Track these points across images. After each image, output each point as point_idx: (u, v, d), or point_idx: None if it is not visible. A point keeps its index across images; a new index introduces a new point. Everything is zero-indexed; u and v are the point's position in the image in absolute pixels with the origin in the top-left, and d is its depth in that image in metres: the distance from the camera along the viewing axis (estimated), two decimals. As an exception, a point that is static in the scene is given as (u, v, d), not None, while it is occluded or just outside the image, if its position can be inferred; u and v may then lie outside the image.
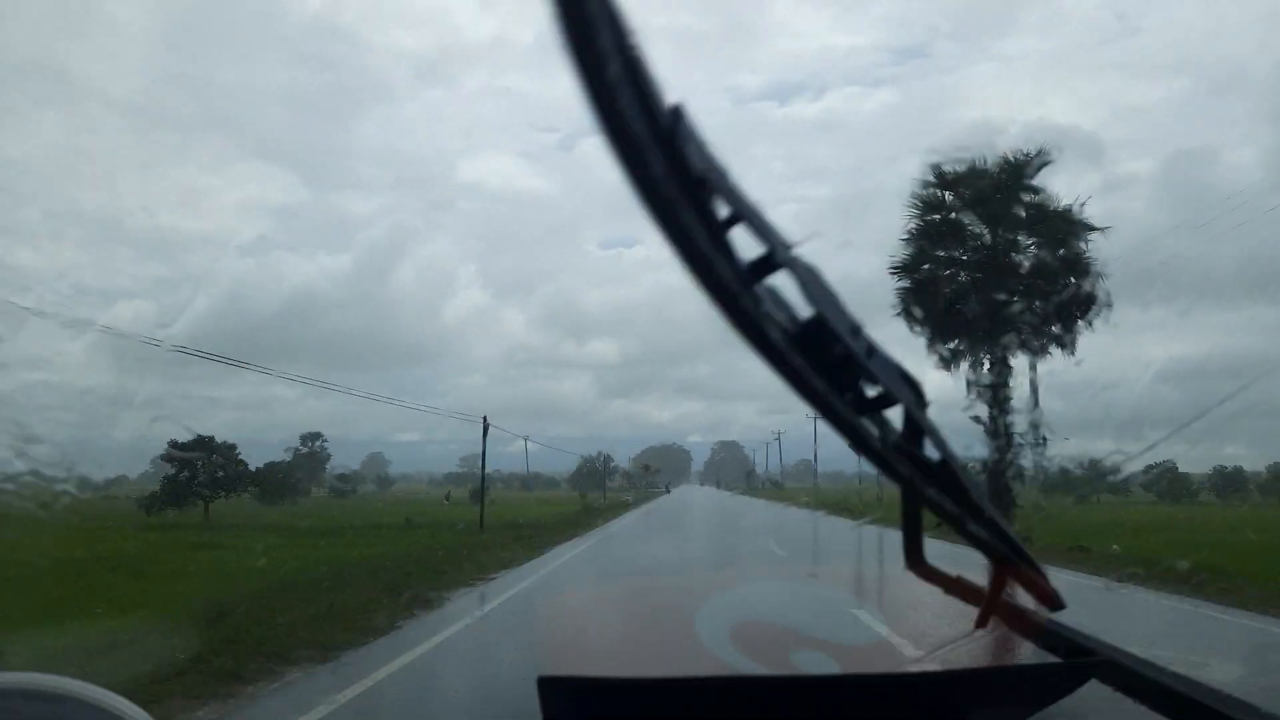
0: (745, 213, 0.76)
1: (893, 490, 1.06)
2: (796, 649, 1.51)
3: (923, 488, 0.91)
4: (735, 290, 0.73)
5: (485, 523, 27.27)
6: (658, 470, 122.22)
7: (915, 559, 1.11)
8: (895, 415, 0.92)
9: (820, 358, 0.80)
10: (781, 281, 0.80)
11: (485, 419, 31.19)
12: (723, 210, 0.75)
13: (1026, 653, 1.13)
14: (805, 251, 0.82)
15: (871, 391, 0.86)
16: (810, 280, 0.80)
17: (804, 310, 0.81)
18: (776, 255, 0.78)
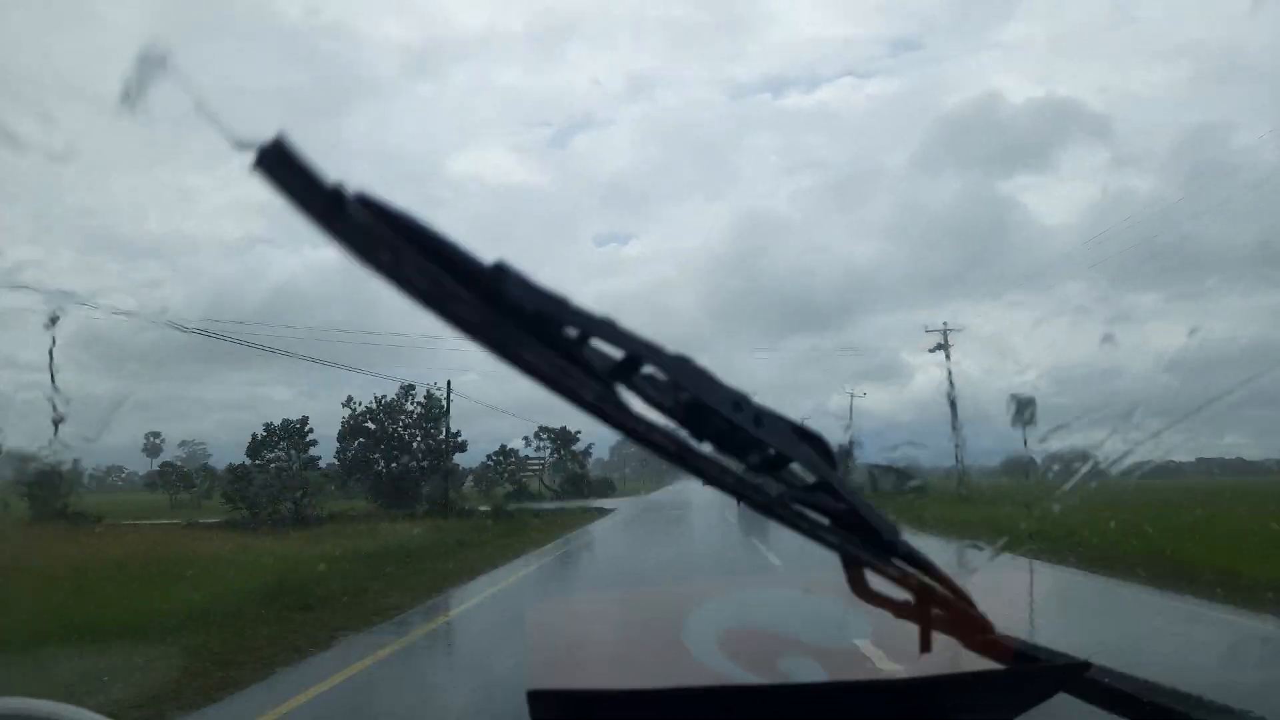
0: (593, 329, 0.87)
1: None
2: (785, 656, 1.52)
3: (829, 536, 1.00)
4: (595, 394, 0.87)
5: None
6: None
7: (859, 587, 1.13)
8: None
9: (708, 431, 0.92)
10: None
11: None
12: (572, 333, 0.87)
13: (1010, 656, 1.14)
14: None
15: (772, 452, 0.97)
16: (679, 369, 0.90)
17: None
18: (638, 356, 0.89)
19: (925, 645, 1.16)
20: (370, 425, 39.00)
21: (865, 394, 54.12)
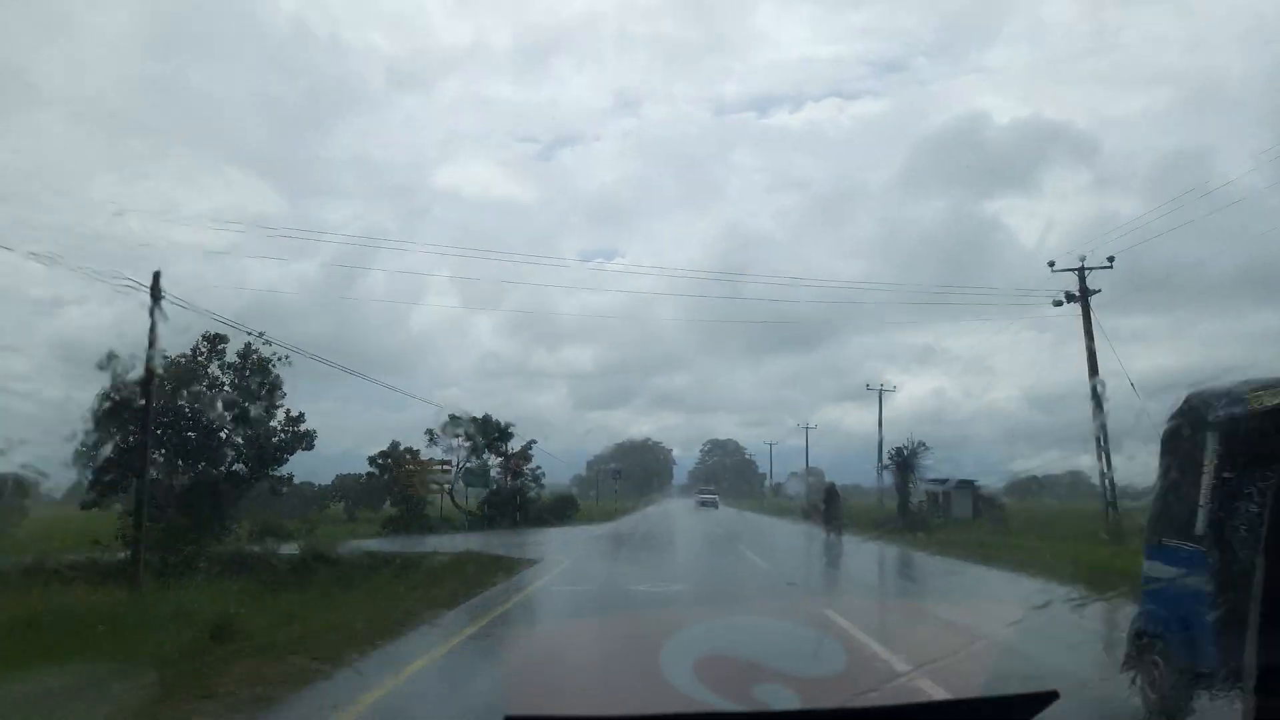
0: None
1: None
2: (758, 682, 1.53)
3: None
4: None
5: None
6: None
7: None
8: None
9: None
10: None
11: None
12: None
13: (984, 681, 1.21)
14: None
15: None
16: None
17: None
18: None
19: None
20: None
21: (896, 387, 45.04)
